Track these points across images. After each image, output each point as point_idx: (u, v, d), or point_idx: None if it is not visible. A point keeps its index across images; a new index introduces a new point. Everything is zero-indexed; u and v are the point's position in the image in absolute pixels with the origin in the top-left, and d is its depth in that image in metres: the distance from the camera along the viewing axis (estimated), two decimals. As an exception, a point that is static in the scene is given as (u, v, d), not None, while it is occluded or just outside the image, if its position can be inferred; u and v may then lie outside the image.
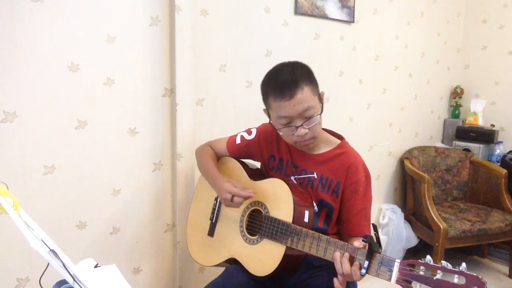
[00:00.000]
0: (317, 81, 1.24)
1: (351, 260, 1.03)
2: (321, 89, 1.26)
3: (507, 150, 2.80)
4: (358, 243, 1.03)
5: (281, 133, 1.24)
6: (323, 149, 1.31)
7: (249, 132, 1.44)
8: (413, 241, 2.62)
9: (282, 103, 1.16)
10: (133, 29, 1.52)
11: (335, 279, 1.06)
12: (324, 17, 2.16)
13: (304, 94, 1.15)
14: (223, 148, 1.48)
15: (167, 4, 1.58)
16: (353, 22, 2.30)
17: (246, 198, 1.25)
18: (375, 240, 1.01)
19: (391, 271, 0.95)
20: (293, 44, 2.06)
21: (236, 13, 1.81)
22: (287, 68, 1.20)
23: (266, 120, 1.44)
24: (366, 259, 1.00)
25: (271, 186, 1.28)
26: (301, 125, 1.18)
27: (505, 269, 2.65)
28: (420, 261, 0.91)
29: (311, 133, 1.20)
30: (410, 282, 0.91)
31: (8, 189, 0.72)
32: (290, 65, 1.22)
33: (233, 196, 1.24)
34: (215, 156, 1.49)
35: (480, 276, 0.84)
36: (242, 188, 1.26)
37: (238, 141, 1.45)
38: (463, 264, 0.87)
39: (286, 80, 1.16)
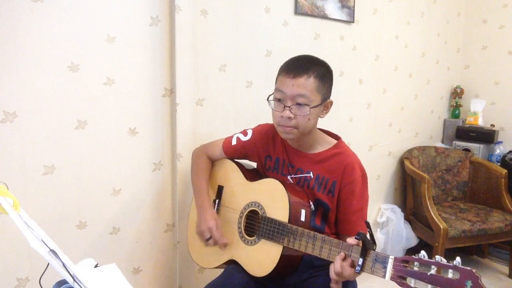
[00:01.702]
0: (330, 87, 1.26)
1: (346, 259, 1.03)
2: None
3: (507, 150, 2.80)
4: (351, 240, 1.03)
5: (271, 106, 1.26)
6: (319, 148, 1.31)
7: (244, 133, 1.45)
8: (413, 241, 2.62)
9: (284, 78, 1.21)
10: (133, 29, 1.52)
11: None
12: (324, 17, 2.16)
13: (307, 82, 1.18)
14: (219, 151, 1.48)
15: (167, 4, 1.58)
16: (353, 22, 2.30)
17: (220, 245, 1.32)
18: (369, 237, 1.01)
19: (385, 267, 0.95)
20: (293, 44, 2.05)
21: (236, 13, 1.81)
22: (310, 58, 1.25)
23: (264, 120, 1.45)
24: (361, 256, 1.00)
25: (267, 186, 1.29)
26: (289, 107, 1.19)
27: (505, 269, 2.65)
28: (414, 256, 0.91)
29: (295, 122, 1.21)
30: (404, 279, 0.91)
31: (8, 189, 0.72)
32: (314, 57, 1.26)
33: (210, 237, 1.32)
34: (209, 168, 1.49)
35: (474, 270, 0.83)
36: (221, 235, 1.31)
37: (234, 142, 1.45)
38: (457, 259, 0.86)
39: (300, 64, 1.21)
